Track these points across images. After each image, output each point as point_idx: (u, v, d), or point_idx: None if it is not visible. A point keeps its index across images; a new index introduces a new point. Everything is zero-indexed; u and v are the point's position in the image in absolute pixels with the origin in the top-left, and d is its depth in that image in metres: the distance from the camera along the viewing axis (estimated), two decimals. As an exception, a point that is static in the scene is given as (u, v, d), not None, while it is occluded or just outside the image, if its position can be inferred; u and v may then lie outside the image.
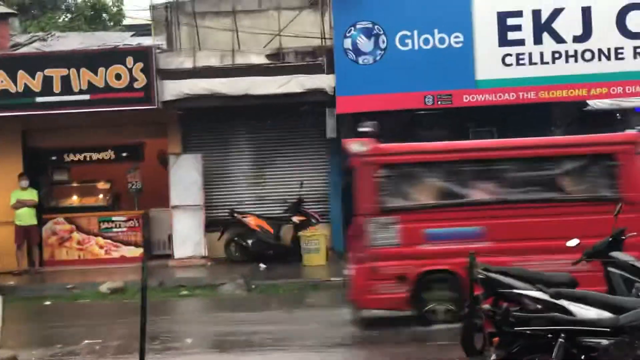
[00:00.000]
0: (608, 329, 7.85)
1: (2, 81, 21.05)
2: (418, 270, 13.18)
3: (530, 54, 21.00)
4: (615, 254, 10.53)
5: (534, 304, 8.38)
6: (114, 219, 22.76)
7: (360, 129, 14.67)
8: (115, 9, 40.47)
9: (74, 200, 23.61)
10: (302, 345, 12.88)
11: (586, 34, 20.93)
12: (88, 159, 23.42)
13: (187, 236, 21.85)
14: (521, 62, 20.99)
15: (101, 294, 18.61)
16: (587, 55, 20.94)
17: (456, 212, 13.42)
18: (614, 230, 10.74)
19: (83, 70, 21.12)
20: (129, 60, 21.20)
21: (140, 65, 21.14)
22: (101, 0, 39.55)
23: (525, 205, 13.36)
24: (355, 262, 13.77)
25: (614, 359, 7.78)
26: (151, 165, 23.49)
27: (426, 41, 21.14)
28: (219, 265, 21.48)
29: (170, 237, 22.26)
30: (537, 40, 21.00)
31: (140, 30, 27.09)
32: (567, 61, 20.99)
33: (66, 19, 38.97)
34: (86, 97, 21.17)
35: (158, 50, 21.98)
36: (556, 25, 20.96)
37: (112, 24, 39.48)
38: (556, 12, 20.96)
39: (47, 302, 17.99)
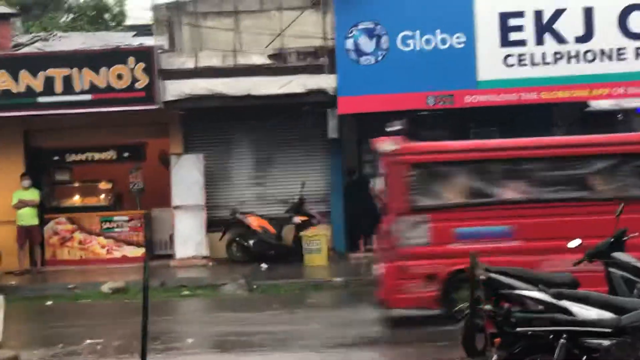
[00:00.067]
0: (610, 330, 7.85)
1: (4, 81, 21.07)
2: (448, 270, 13.08)
3: (532, 55, 21.00)
4: (616, 254, 10.52)
5: (536, 305, 8.37)
6: (115, 219, 22.77)
7: (389, 128, 14.59)
8: (117, 9, 40.51)
9: (76, 200, 23.63)
10: (303, 346, 12.88)
11: (588, 34, 20.93)
12: (90, 159, 23.42)
13: (189, 236, 21.86)
14: (523, 62, 20.99)
15: (103, 294, 18.62)
16: (589, 55, 20.94)
17: (486, 211, 13.34)
18: (616, 231, 10.73)
19: (85, 70, 21.14)
20: (131, 60, 21.21)
21: (142, 65, 21.15)
22: (103, 1, 39.59)
23: (555, 205, 13.26)
24: (385, 261, 13.70)
25: (616, 359, 7.77)
26: (153, 165, 23.50)
27: (428, 41, 21.15)
28: (221, 266, 21.49)
29: (171, 237, 22.28)
30: (539, 41, 21.01)
31: (142, 30, 27.12)
32: (568, 62, 20.99)
33: (68, 19, 39.01)
34: (88, 97, 21.19)
35: (160, 51, 22.00)
36: (558, 25, 20.96)
37: (114, 24, 39.54)
38: (558, 13, 20.96)
39: (49, 302, 17.99)
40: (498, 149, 13.90)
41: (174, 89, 21.48)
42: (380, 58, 21.24)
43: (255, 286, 18.71)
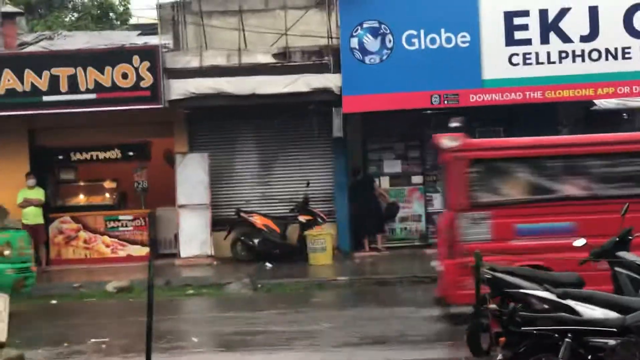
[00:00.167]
0: (615, 329, 7.84)
1: (9, 80, 21.10)
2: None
3: (537, 54, 20.98)
4: (622, 253, 10.51)
5: (541, 304, 8.37)
6: (120, 218, 22.80)
7: (450, 125, 14.57)
8: (121, 8, 40.50)
9: (81, 199, 23.66)
10: (307, 345, 12.88)
11: (593, 33, 20.91)
12: (94, 158, 23.45)
13: (194, 235, 21.87)
14: (528, 61, 20.98)
15: (107, 293, 18.62)
16: (594, 54, 20.92)
17: (548, 207, 13.24)
18: (621, 230, 10.72)
19: (90, 69, 21.16)
20: (136, 59, 21.23)
21: (146, 64, 21.17)
22: (108, 0, 39.59)
23: (617, 201, 13.10)
24: (445, 258, 13.66)
25: (621, 359, 7.76)
26: (157, 164, 23.52)
27: (433, 40, 21.14)
28: (225, 265, 21.50)
29: (176, 236, 22.29)
30: (544, 40, 20.99)
31: (147, 29, 27.12)
32: (574, 61, 20.97)
33: (73, 18, 39.01)
34: (93, 96, 21.21)
35: (164, 50, 22.00)
36: (563, 24, 20.94)
37: (118, 23, 39.50)
38: (563, 12, 20.94)
39: (54, 301, 18.00)
40: (560, 145, 13.81)
41: (179, 88, 21.48)
42: (385, 57, 21.23)
43: (259, 285, 18.71)
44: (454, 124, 14.64)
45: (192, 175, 21.91)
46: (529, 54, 21.01)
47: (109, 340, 13.54)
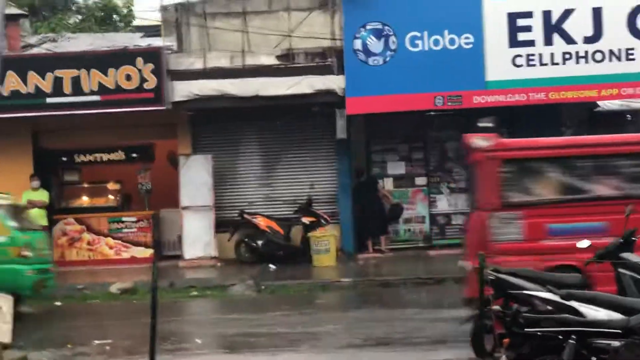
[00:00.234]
0: (619, 331, 7.83)
1: (12, 82, 21.10)
2: (541, 266, 12.87)
3: (540, 55, 20.98)
4: (626, 255, 10.49)
5: (544, 305, 8.36)
6: (124, 219, 22.80)
7: (481, 124, 14.51)
8: (125, 10, 40.51)
9: (84, 200, 23.68)
10: (311, 346, 12.88)
11: (597, 34, 20.90)
12: (98, 159, 23.47)
13: (197, 237, 21.87)
14: (531, 63, 20.97)
15: (111, 295, 18.63)
16: (598, 56, 20.91)
17: (580, 207, 13.13)
18: (625, 231, 10.70)
19: (93, 71, 21.20)
20: (139, 61, 21.26)
21: (150, 66, 21.20)
22: (111, 2, 39.61)
23: None
24: (476, 258, 13.57)
25: (625, 360, 7.76)
26: (161, 166, 23.51)
27: (436, 42, 21.15)
28: (229, 266, 21.50)
29: (180, 238, 22.29)
30: (548, 41, 20.99)
31: (151, 31, 27.13)
32: (577, 62, 20.97)
33: (76, 20, 39.03)
34: (96, 98, 21.25)
35: (168, 51, 22.03)
36: (567, 26, 20.94)
37: (122, 25, 39.52)
38: (567, 13, 20.94)
39: (58, 303, 18.00)
40: (592, 144, 13.75)
41: (183, 90, 21.50)
42: (388, 58, 21.24)
43: (263, 287, 18.72)
44: (484, 124, 14.53)
45: (195, 177, 21.91)
46: (533, 55, 21.01)
47: (112, 342, 13.55)
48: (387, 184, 23.06)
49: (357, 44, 21.27)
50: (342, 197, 22.46)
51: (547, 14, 21.00)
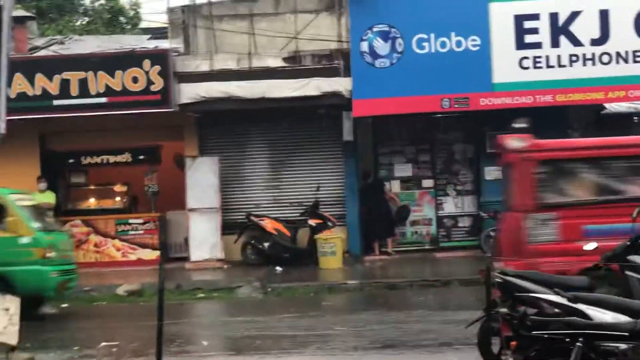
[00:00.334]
0: (626, 333, 7.80)
1: (20, 84, 21.15)
2: (578, 267, 12.87)
3: (547, 57, 20.96)
4: (633, 257, 10.46)
5: (552, 308, 8.34)
6: (130, 221, 22.82)
7: (515, 125, 14.47)
8: (132, 12, 40.57)
9: (91, 202, 23.70)
10: (318, 348, 12.87)
11: (604, 37, 20.88)
12: (105, 161, 23.51)
13: (204, 239, 21.89)
14: (538, 65, 20.95)
15: (118, 297, 18.65)
16: (605, 58, 20.88)
17: (616, 208, 13.07)
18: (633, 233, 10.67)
19: (100, 73, 21.23)
20: (146, 63, 21.29)
21: (157, 68, 21.23)
22: (118, 4, 39.68)
23: None
24: (511, 259, 13.50)
25: (632, 363, 7.73)
26: (168, 168, 23.54)
27: (443, 44, 21.14)
28: (236, 268, 21.51)
29: (186, 240, 22.31)
30: (555, 43, 20.97)
31: (157, 33, 27.16)
32: (584, 64, 20.94)
33: (83, 23, 39.10)
34: (103, 100, 21.28)
35: (175, 53, 22.05)
36: (574, 28, 20.91)
37: (129, 27, 39.58)
38: (574, 15, 20.91)
39: (64, 304, 18.02)
40: (627, 145, 13.70)
41: (189, 92, 21.51)
42: (395, 61, 21.23)
43: (270, 289, 18.73)
44: (519, 125, 14.49)
45: (202, 179, 21.93)
46: (540, 57, 20.99)
47: (119, 344, 13.56)
48: (394, 186, 23.06)
49: (364, 46, 21.27)
50: (349, 199, 22.46)
51: (554, 16, 20.98)
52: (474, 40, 21.09)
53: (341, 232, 21.81)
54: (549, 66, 20.98)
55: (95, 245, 22.60)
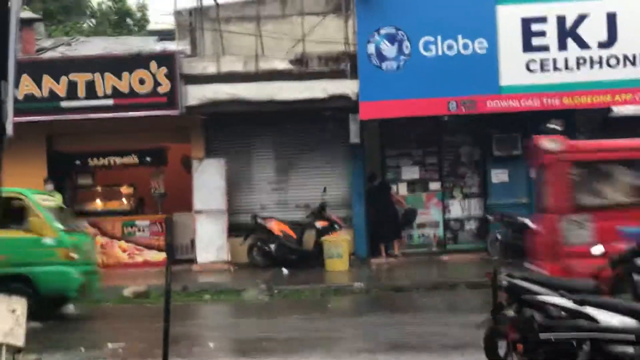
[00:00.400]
0: (633, 337, 7.79)
1: (27, 85, 21.20)
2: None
3: (554, 60, 20.94)
4: (640, 261, 10.46)
5: (558, 311, 8.34)
6: (137, 223, 22.85)
7: (549, 127, 14.43)
8: (139, 14, 40.64)
9: (98, 204, 23.74)
10: (324, 351, 12.85)
11: (611, 40, 20.86)
12: (112, 163, 23.55)
13: (210, 241, 21.90)
14: (545, 68, 20.94)
15: (124, 298, 18.65)
16: (612, 61, 20.86)
17: None
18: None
19: (107, 75, 21.27)
20: (153, 65, 21.32)
21: (164, 70, 21.26)
22: (125, 6, 39.74)
23: None
24: (547, 261, 13.46)
25: (639, 366, 7.72)
26: (175, 169, 23.57)
27: (450, 47, 21.13)
28: (242, 270, 21.52)
29: (193, 242, 22.33)
30: (562, 46, 20.95)
31: (165, 35, 27.22)
32: (591, 67, 20.92)
33: (91, 24, 39.17)
34: (110, 101, 21.32)
35: (182, 55, 22.07)
36: (581, 31, 20.90)
37: (136, 29, 39.65)
38: (581, 18, 20.89)
39: (71, 306, 18.02)
40: None
41: (196, 94, 21.53)
42: (402, 63, 21.22)
43: (276, 291, 18.71)
44: (553, 126, 14.46)
45: (209, 181, 21.95)
46: (547, 60, 20.98)
47: (126, 345, 13.56)
48: (401, 189, 23.05)
49: (371, 49, 21.26)
50: (355, 202, 22.48)
51: (561, 19, 20.97)
52: (481, 43, 21.08)
53: (347, 235, 21.82)
54: (556, 69, 20.96)
55: (102, 246, 22.60)
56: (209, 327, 16.21)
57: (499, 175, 22.49)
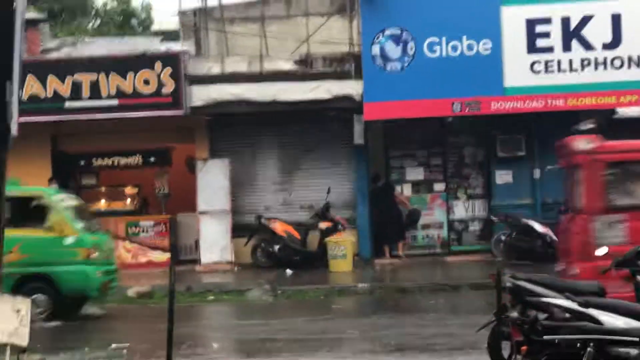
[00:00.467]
0: (638, 339, 7.78)
1: (32, 86, 21.22)
2: None
3: (559, 61, 20.93)
4: (645, 262, 10.42)
5: (563, 313, 8.32)
6: (141, 223, 22.85)
7: (582, 127, 14.36)
8: (144, 15, 40.66)
9: (102, 204, 23.73)
10: (328, 352, 12.86)
11: (616, 41, 20.84)
12: (116, 163, 23.56)
13: (214, 241, 21.91)
14: (550, 69, 20.92)
15: (128, 298, 18.66)
16: (617, 62, 20.84)
17: None
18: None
19: (112, 75, 21.29)
20: (158, 65, 21.34)
21: (168, 70, 21.27)
22: (130, 6, 39.77)
23: None
24: (580, 261, 13.40)
25: (644, 369, 7.71)
26: (179, 170, 23.58)
27: (454, 48, 21.12)
28: (246, 271, 21.53)
29: (197, 242, 22.33)
30: (566, 48, 20.93)
31: (169, 35, 27.24)
32: (596, 68, 20.90)
33: (95, 25, 39.21)
34: (114, 102, 21.33)
35: (186, 56, 22.07)
36: (585, 32, 20.88)
37: (140, 29, 39.67)
38: (585, 20, 20.87)
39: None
40: None
41: (201, 95, 21.54)
42: (406, 64, 21.22)
43: (280, 291, 18.72)
44: (587, 126, 14.37)
45: (213, 182, 21.95)
46: (551, 61, 20.96)
47: (129, 346, 13.56)
48: (406, 190, 23.05)
49: (375, 50, 21.26)
50: (359, 203, 22.48)
51: (565, 21, 20.95)
52: (485, 44, 21.07)
53: (351, 235, 21.81)
54: (560, 70, 20.95)
55: (106, 247, 22.62)
56: (213, 327, 16.22)
57: (503, 177, 22.48)
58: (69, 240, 16.14)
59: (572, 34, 20.94)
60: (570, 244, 13.93)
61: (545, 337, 7.95)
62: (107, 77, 21.32)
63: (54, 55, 24.53)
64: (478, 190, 23.08)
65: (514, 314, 8.83)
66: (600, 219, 12.95)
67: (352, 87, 21.41)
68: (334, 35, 22.34)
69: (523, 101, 20.89)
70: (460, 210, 23.04)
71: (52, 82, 21.35)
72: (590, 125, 14.32)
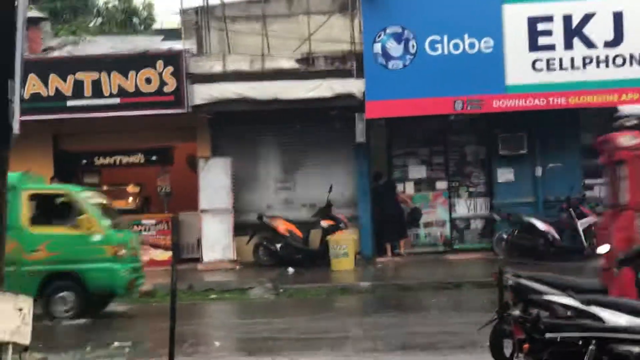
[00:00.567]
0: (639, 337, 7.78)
1: (33, 85, 21.23)
2: None
3: (560, 59, 20.91)
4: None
5: (565, 311, 8.33)
6: (143, 222, 22.83)
7: (624, 123, 14.25)
8: (145, 13, 40.64)
9: (104, 203, 23.71)
10: (330, 350, 12.86)
11: (617, 39, 20.82)
12: (118, 162, 23.57)
13: (216, 240, 21.91)
14: (552, 67, 20.91)
15: (131, 297, 18.64)
16: (619, 60, 20.82)
17: None
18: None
19: (113, 74, 21.29)
20: (159, 64, 21.33)
21: (170, 69, 21.27)
22: (132, 5, 39.74)
23: None
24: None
25: (646, 366, 7.71)
26: (181, 169, 23.59)
27: (456, 46, 21.11)
28: (248, 269, 21.53)
29: (199, 241, 22.34)
30: (568, 46, 20.92)
31: (171, 34, 27.20)
32: (598, 66, 20.88)
33: (97, 23, 39.18)
34: (116, 100, 21.33)
35: (188, 54, 22.07)
36: (587, 30, 20.86)
37: (142, 28, 39.64)
38: (587, 18, 20.86)
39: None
40: None
41: (202, 93, 21.54)
42: (408, 62, 21.21)
43: (282, 290, 18.72)
44: (628, 122, 14.28)
45: (214, 180, 21.96)
46: (553, 59, 20.94)
47: (131, 344, 13.57)
48: (408, 188, 23.05)
49: (377, 48, 21.25)
50: (361, 201, 22.48)
51: (567, 19, 20.93)
52: (487, 42, 21.06)
53: (353, 234, 21.81)
54: (562, 68, 20.93)
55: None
56: (215, 326, 16.22)
57: (504, 175, 22.47)
58: (96, 237, 16.15)
59: (573, 32, 20.93)
60: (613, 240, 13.85)
61: (547, 335, 7.95)
62: (109, 75, 21.31)
63: (55, 54, 24.53)
64: (480, 188, 23.09)
65: (516, 312, 8.83)
66: None
67: (353, 86, 21.40)
68: (336, 33, 22.34)
69: (525, 99, 20.88)
70: (462, 208, 23.05)
71: (54, 80, 21.35)
72: (635, 122, 14.26)
